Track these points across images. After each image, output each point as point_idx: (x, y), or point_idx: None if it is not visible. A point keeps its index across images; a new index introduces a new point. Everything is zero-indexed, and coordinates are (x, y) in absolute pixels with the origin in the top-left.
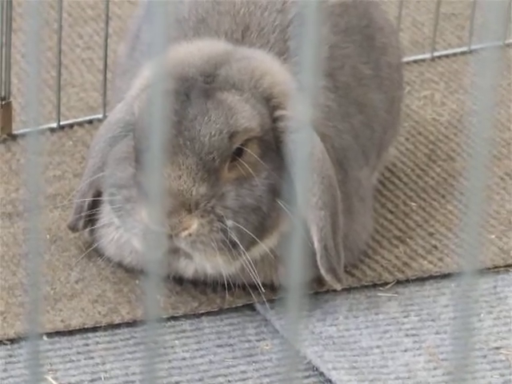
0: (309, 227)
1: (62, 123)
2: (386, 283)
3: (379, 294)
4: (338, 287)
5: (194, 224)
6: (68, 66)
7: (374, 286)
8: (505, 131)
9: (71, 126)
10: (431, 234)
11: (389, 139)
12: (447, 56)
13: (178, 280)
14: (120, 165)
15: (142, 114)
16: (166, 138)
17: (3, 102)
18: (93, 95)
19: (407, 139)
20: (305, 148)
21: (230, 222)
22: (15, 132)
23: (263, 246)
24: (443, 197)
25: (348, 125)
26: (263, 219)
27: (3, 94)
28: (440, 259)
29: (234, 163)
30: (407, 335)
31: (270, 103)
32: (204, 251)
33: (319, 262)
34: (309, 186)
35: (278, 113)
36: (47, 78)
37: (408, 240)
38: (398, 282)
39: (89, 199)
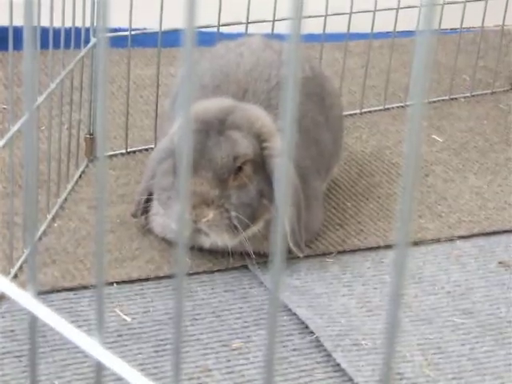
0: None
1: (128, 150)
2: (331, 253)
3: (327, 260)
4: (300, 255)
5: (210, 214)
6: (133, 115)
7: (323, 254)
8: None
9: (134, 152)
10: (359, 223)
11: (333, 163)
12: (370, 112)
13: (200, 250)
14: (164, 176)
15: (179, 144)
16: (193, 160)
17: (91, 136)
18: (148, 133)
19: (345, 163)
20: (283, 168)
21: (233, 213)
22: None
23: (254, 228)
24: (367, 199)
25: (308, 153)
26: (254, 211)
27: (91, 131)
28: (365, 238)
29: (236, 176)
30: (344, 286)
31: (260, 138)
32: (216, 231)
33: (289, 239)
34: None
35: (265, 144)
36: (119, 122)
37: (345, 226)
38: (339, 253)
39: (144, 197)
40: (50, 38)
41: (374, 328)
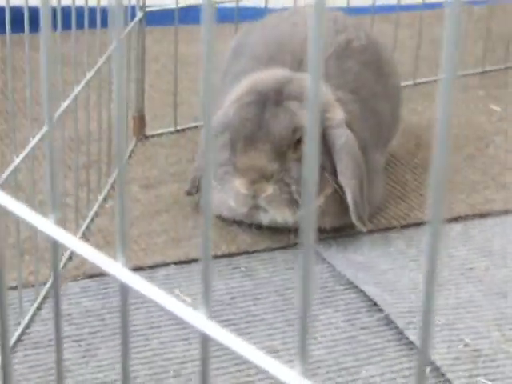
0: (344, 190)
1: (177, 128)
2: (394, 227)
3: (390, 235)
4: (364, 229)
5: (270, 189)
6: (180, 92)
7: (386, 229)
8: (464, 129)
9: (183, 129)
10: (421, 195)
11: (392, 134)
12: (423, 83)
13: (258, 227)
14: (220, 151)
15: (234, 117)
16: (249, 132)
17: (139, 114)
18: (196, 111)
19: (401, 135)
20: (342, 138)
21: (294, 187)
22: (147, 134)
23: (316, 203)
24: (427, 172)
25: (367, 124)
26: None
27: (139, 108)
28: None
29: (296, 148)
30: (410, 260)
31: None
32: (276, 207)
33: (352, 213)
34: (344, 163)
35: (325, 115)
36: (167, 100)
37: (406, 199)
38: (402, 227)
39: (199, 174)
40: (98, 17)
41: (445, 303)
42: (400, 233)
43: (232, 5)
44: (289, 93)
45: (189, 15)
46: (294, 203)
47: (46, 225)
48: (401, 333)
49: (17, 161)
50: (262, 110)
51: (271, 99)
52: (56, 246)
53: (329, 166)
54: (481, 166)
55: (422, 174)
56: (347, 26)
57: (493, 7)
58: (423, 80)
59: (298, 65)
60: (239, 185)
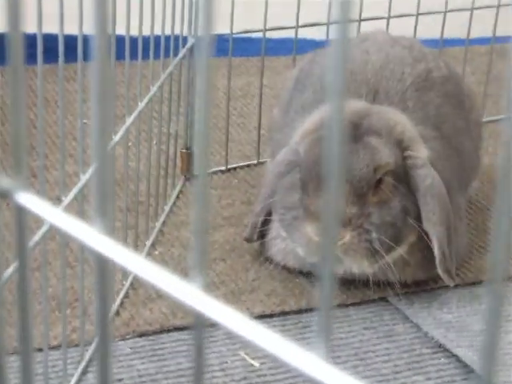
0: (430, 238)
1: (228, 167)
2: (481, 281)
3: (478, 290)
4: (451, 284)
5: (347, 236)
6: (230, 129)
7: (473, 283)
8: None
9: (235, 168)
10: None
11: (473, 176)
12: (491, 121)
13: None
14: (288, 192)
15: (306, 154)
16: (323, 172)
17: (188, 151)
18: (248, 148)
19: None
20: (428, 180)
21: (374, 235)
22: (196, 173)
23: (397, 253)
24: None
25: (449, 164)
26: (398, 232)
27: (188, 145)
28: None
29: (377, 190)
30: (507, 320)
31: (401, 145)
32: (354, 256)
33: (438, 265)
34: (430, 207)
35: (407, 153)
36: (215, 136)
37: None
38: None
39: (261, 219)
40: (139, 49)
41: None
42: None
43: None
44: (368, 127)
45: (238, 46)
46: (373, 253)
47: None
48: None
49: (65, 201)
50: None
51: (349, 134)
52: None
53: (413, 210)
54: None
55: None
56: (425, 54)
57: None
58: (490, 118)
59: (374, 96)
60: (311, 230)
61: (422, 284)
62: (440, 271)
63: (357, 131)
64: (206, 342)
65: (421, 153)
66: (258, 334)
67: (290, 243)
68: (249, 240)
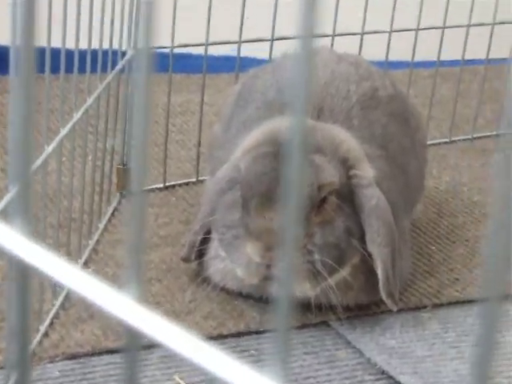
0: (374, 260)
1: (167, 184)
2: (425, 306)
3: (422, 315)
4: (395, 309)
5: None
6: (168, 146)
7: (417, 308)
8: (487, 196)
9: (173, 186)
10: (451, 270)
11: (418, 198)
12: (434, 144)
13: (266, 301)
14: (228, 210)
15: (247, 171)
16: (265, 190)
17: (124, 167)
18: (187, 165)
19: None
20: (373, 200)
21: (317, 256)
22: (132, 189)
23: (340, 275)
24: (454, 242)
25: (395, 184)
26: (341, 254)
27: (124, 161)
28: (463, 288)
29: (320, 209)
30: (450, 347)
31: (346, 164)
32: (295, 279)
33: (381, 289)
34: (375, 228)
35: (352, 172)
36: (152, 153)
37: (435, 274)
38: (434, 306)
39: (200, 237)
40: (76, 61)
41: None
42: (432, 312)
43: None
44: (312, 144)
45: (179, 63)
46: (316, 275)
47: None
48: None
49: None
50: (281, 164)
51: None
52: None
53: (357, 231)
54: None
55: (447, 245)
56: (371, 72)
57: (499, 67)
58: (434, 141)
59: (318, 113)
60: (252, 251)
61: (365, 308)
62: (383, 295)
63: None
64: (139, 365)
65: (366, 172)
66: (201, 353)
67: (229, 263)
68: (186, 260)
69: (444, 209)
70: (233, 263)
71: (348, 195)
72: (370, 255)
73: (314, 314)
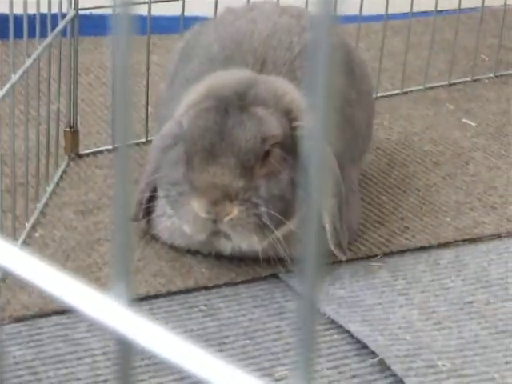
0: (321, 212)
1: (116, 145)
2: (375, 255)
3: (372, 264)
4: (344, 258)
5: (235, 211)
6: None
7: (367, 257)
8: (438, 145)
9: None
10: (402, 219)
11: (366, 147)
12: (387, 96)
13: (217, 257)
14: (173, 167)
15: (190, 126)
16: (210, 144)
17: (72, 130)
18: (136, 126)
19: (371, 153)
20: (317, 151)
21: (263, 209)
22: (81, 152)
23: (287, 227)
24: (404, 192)
25: (341, 135)
26: (287, 205)
27: (72, 124)
28: (413, 236)
29: (264, 162)
30: (399, 294)
31: (289, 116)
32: (242, 232)
33: (330, 239)
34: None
35: (296, 123)
36: (101, 115)
37: (385, 223)
38: (384, 255)
39: (146, 195)
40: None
41: (448, 345)
42: (383, 261)
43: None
44: (254, 97)
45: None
46: (262, 228)
47: None
48: (399, 381)
49: None
50: (224, 118)
51: (234, 104)
52: None
53: (302, 182)
54: (463, 185)
55: (398, 194)
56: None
57: (451, 17)
58: (386, 93)
59: (261, 66)
60: (198, 206)
61: None
62: (331, 245)
63: (242, 101)
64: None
65: (310, 123)
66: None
67: (176, 221)
68: (135, 219)
69: (395, 159)
70: (180, 220)
71: (292, 147)
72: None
73: (262, 268)
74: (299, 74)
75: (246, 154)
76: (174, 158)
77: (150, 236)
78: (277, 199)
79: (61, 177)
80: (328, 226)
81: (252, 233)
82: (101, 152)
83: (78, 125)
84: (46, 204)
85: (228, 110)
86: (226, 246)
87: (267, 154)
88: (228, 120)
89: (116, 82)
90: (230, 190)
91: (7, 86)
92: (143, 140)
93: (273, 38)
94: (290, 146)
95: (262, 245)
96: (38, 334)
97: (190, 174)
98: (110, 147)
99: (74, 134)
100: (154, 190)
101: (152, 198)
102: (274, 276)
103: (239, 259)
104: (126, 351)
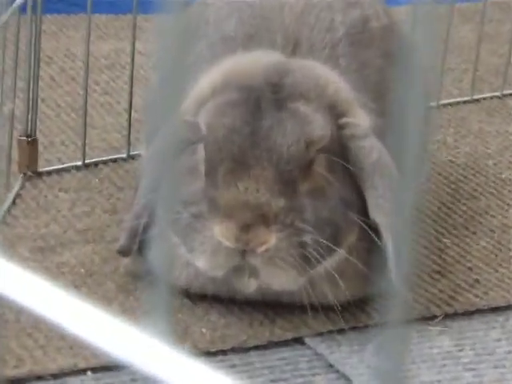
0: (381, 233)
1: (87, 161)
2: (435, 316)
3: (429, 328)
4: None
5: (273, 239)
6: (89, 110)
7: (423, 318)
8: None
9: (96, 164)
10: (470, 269)
11: (420, 172)
12: (451, 104)
13: (228, 306)
14: (184, 181)
15: (211, 127)
16: (239, 150)
17: (29, 139)
18: (115, 136)
19: (429, 180)
20: (373, 154)
21: (309, 236)
22: (40, 170)
23: (335, 258)
24: (474, 233)
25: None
26: (337, 231)
27: (29, 131)
28: (485, 293)
29: (308, 173)
30: (465, 369)
31: (335, 111)
32: (281, 267)
33: (391, 266)
34: (380, 191)
35: (343, 120)
36: (68, 120)
37: (448, 274)
38: (446, 316)
39: (143, 221)
40: None
41: None
42: (444, 325)
43: None
44: (292, 88)
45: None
46: (306, 261)
47: None
48: None
49: None
50: (256, 115)
51: (267, 98)
52: None
53: (354, 199)
54: None
55: (466, 236)
56: None
57: None
58: (450, 101)
59: (293, 48)
60: (222, 232)
61: (352, 318)
62: (394, 277)
63: (277, 94)
64: None
65: (361, 120)
66: None
67: (184, 253)
68: (125, 252)
69: (462, 189)
70: (191, 252)
71: (340, 152)
72: (373, 228)
73: (282, 329)
74: (343, 62)
75: (287, 163)
76: (186, 170)
77: (136, 279)
78: (325, 223)
79: (13, 202)
80: (391, 251)
81: (291, 268)
82: (67, 170)
83: (37, 132)
84: None
85: (260, 106)
86: (250, 287)
87: (311, 162)
88: (261, 119)
89: (161, 77)
90: (266, 212)
91: None
92: (123, 155)
93: (310, 14)
94: (337, 151)
95: (298, 284)
96: None
97: (211, 189)
98: (80, 163)
99: (31, 144)
100: (153, 213)
101: (148, 225)
102: (298, 340)
103: (251, 318)
104: None
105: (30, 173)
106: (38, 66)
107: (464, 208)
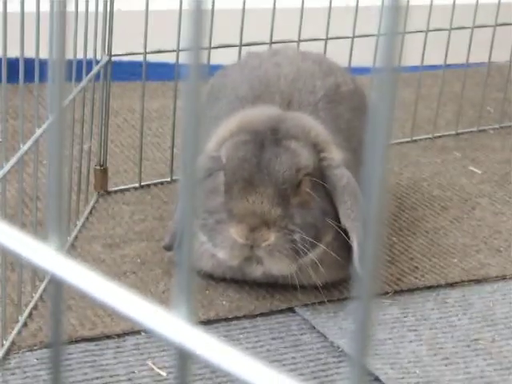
0: (349, 234)
1: (142, 183)
2: (387, 293)
3: (383, 301)
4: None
5: (272, 237)
6: (144, 148)
7: (379, 294)
8: (446, 191)
9: (148, 185)
10: (412, 259)
11: None
12: (397, 144)
13: (238, 289)
14: (210, 197)
15: (229, 158)
16: (248, 174)
17: (102, 168)
18: (162, 166)
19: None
20: (343, 179)
21: (298, 235)
22: (109, 189)
23: (318, 251)
24: (414, 234)
25: (357, 178)
26: (318, 232)
27: (102, 162)
28: (422, 276)
29: (298, 191)
30: (409, 330)
31: (316, 148)
32: (278, 257)
33: (356, 260)
34: (348, 205)
35: (322, 155)
36: (129, 155)
37: (396, 263)
38: (395, 292)
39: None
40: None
41: (455, 379)
42: (393, 299)
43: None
44: (286, 131)
45: (154, 71)
46: (295, 253)
47: None
48: None
49: None
50: (261, 150)
51: (269, 138)
52: None
53: (330, 210)
54: (469, 228)
55: (408, 236)
56: (333, 69)
57: (459, 71)
58: (397, 141)
59: (287, 105)
60: (237, 232)
61: (329, 294)
62: (357, 264)
63: (276, 135)
64: None
65: (335, 155)
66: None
67: (210, 247)
68: (168, 248)
69: (405, 203)
70: (215, 247)
71: (320, 177)
72: (344, 231)
73: (279, 301)
74: (322, 115)
75: (282, 183)
76: (211, 189)
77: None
78: (310, 226)
79: (90, 212)
80: (356, 247)
81: (286, 258)
82: (128, 189)
83: (108, 163)
84: (76, 237)
85: (264, 143)
86: (257, 272)
87: (299, 183)
88: (265, 152)
89: (185, 128)
90: (268, 218)
91: (45, 126)
92: (168, 179)
93: (298, 81)
94: (318, 176)
95: (292, 269)
96: (67, 359)
97: (229, 202)
98: (137, 185)
99: (103, 172)
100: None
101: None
102: (291, 310)
103: (257, 290)
104: (185, 363)
105: (102, 192)
106: (108, 117)
107: (406, 216)
